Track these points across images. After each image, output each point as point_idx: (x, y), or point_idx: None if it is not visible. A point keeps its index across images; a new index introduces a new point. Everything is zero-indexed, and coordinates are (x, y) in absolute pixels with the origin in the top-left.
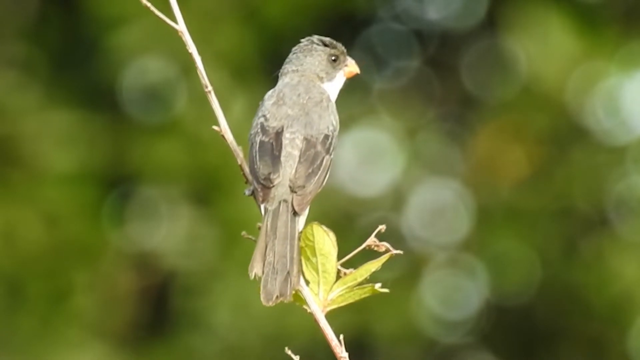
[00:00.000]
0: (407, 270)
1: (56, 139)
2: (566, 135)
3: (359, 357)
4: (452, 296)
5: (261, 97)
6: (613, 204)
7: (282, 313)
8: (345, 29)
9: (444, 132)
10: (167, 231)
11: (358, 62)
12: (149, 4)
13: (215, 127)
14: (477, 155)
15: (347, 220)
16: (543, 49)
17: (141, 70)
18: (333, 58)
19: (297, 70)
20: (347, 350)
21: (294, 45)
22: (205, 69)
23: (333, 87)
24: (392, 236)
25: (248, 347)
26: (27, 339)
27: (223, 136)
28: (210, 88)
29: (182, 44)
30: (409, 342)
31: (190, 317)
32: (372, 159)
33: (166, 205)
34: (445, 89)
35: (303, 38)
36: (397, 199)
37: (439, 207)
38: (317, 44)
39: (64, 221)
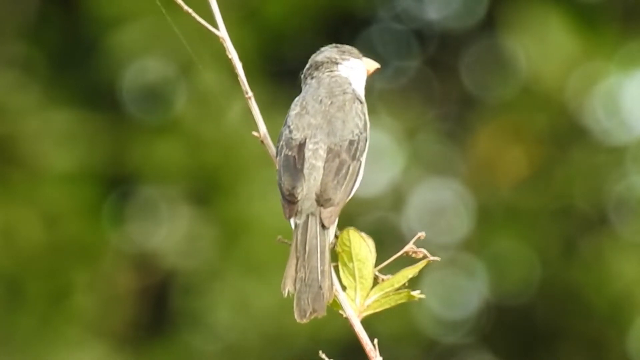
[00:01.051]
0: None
1: (56, 138)
2: (566, 135)
3: (358, 357)
4: (452, 296)
5: (261, 97)
6: (613, 204)
7: (282, 313)
8: (345, 29)
9: (444, 132)
10: (167, 231)
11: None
12: (190, 10)
13: (255, 133)
14: (476, 155)
15: (347, 219)
16: (543, 48)
17: (141, 70)
18: (343, 50)
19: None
20: (347, 350)
21: (297, 47)
22: (204, 69)
23: (354, 74)
24: (392, 236)
25: (248, 347)
26: (27, 338)
27: (262, 142)
28: (250, 94)
29: (182, 44)
30: (409, 342)
31: (190, 317)
32: (371, 158)
33: (166, 205)
34: (445, 89)
35: (303, 38)
36: (396, 198)
37: (438, 207)
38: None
39: (64, 221)
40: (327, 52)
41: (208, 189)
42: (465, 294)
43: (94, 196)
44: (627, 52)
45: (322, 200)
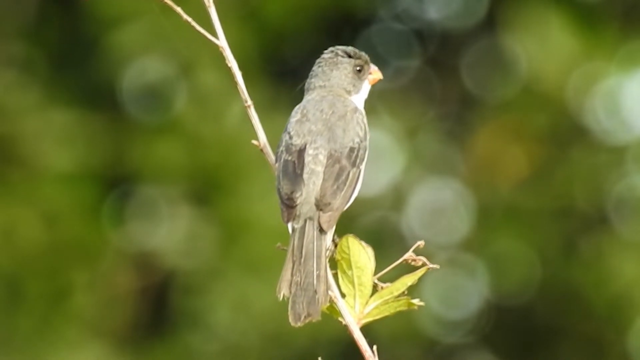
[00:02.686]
0: (407, 270)
1: (56, 138)
2: (566, 134)
3: (358, 357)
4: (452, 296)
5: (261, 97)
6: (613, 204)
7: (282, 312)
8: (346, 29)
9: (444, 132)
10: (167, 231)
11: (380, 68)
12: (189, 19)
13: (254, 142)
14: (477, 154)
15: (347, 219)
16: (543, 48)
17: (141, 70)
18: (358, 69)
19: (324, 86)
20: (346, 350)
21: (297, 47)
22: (204, 69)
23: (360, 97)
24: (392, 236)
25: (248, 347)
26: (27, 338)
27: (262, 150)
28: (250, 103)
29: (182, 44)
30: (409, 342)
31: (190, 317)
32: (372, 158)
33: (166, 204)
34: (445, 88)
35: (303, 37)
36: (397, 198)
37: (438, 206)
38: (342, 56)
39: (64, 220)
40: (342, 67)
41: (208, 189)
42: (466, 294)
43: (94, 196)
44: (627, 52)
45: (321, 205)
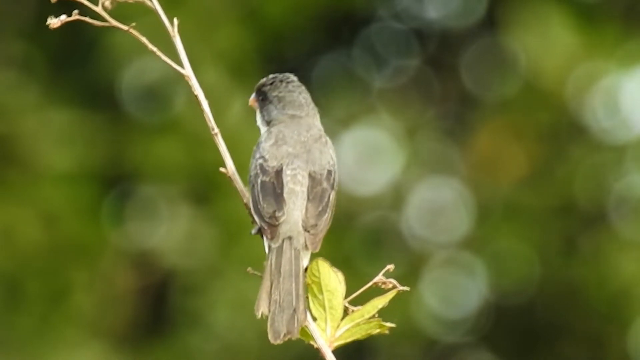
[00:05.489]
0: (407, 269)
1: (55, 138)
2: (566, 133)
3: (358, 357)
4: (452, 295)
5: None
6: (613, 202)
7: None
8: (345, 28)
9: (444, 131)
10: (166, 230)
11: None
12: (154, 49)
13: (222, 169)
14: (476, 153)
15: (346, 219)
16: (543, 47)
17: (140, 70)
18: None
19: (294, 116)
20: (346, 350)
21: (296, 47)
22: (204, 69)
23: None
24: (392, 235)
25: (247, 346)
26: (26, 338)
27: (230, 178)
28: (216, 131)
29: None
30: (409, 341)
31: (189, 316)
32: (371, 157)
33: (165, 204)
34: (445, 87)
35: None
36: (396, 197)
37: (438, 205)
38: (294, 81)
39: (63, 220)
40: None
41: (207, 188)
42: (465, 293)
43: (93, 196)
44: (627, 51)
45: (308, 226)
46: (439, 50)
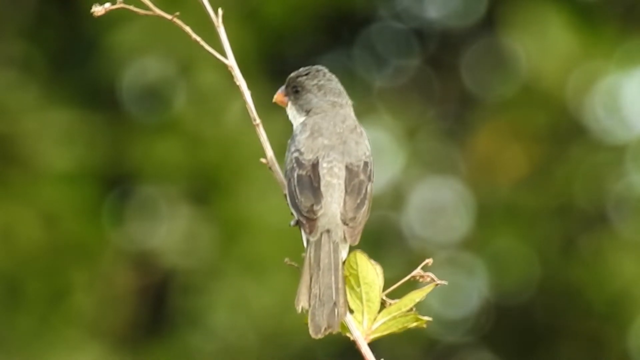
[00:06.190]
0: (407, 269)
1: (55, 137)
2: (565, 133)
3: (359, 357)
4: (452, 295)
5: (260, 97)
6: (612, 202)
7: (280, 312)
8: (345, 28)
9: (444, 131)
10: (167, 230)
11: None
12: (198, 38)
13: (262, 160)
14: (476, 153)
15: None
16: (542, 47)
17: (140, 69)
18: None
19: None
20: (347, 350)
21: (296, 46)
22: (203, 69)
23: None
24: (392, 235)
25: (246, 346)
26: (26, 338)
27: (270, 168)
28: (258, 121)
29: (182, 44)
30: (409, 341)
31: (189, 316)
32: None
33: (165, 204)
34: (445, 87)
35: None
36: (396, 197)
37: (438, 205)
38: (326, 72)
39: (63, 220)
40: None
41: (207, 188)
42: (465, 293)
43: (94, 195)
44: (626, 51)
45: (346, 219)
46: (439, 50)
